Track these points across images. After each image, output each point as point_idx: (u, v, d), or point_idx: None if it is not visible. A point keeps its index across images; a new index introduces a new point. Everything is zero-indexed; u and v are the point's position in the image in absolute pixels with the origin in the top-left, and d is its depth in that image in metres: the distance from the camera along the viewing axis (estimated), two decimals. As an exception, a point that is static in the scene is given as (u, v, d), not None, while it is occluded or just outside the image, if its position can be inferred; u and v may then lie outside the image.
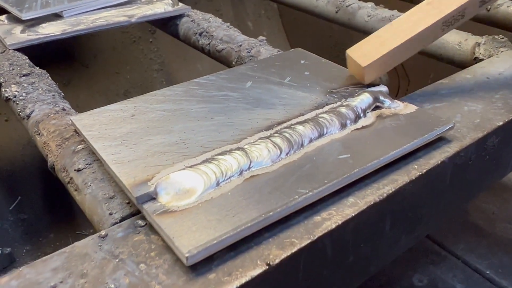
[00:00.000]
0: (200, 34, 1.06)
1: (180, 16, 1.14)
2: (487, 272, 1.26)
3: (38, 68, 0.88)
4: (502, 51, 0.94)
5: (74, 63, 1.81)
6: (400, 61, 0.72)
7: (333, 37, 2.06)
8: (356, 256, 0.56)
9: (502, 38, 0.98)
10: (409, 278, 1.27)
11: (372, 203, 0.54)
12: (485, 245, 1.34)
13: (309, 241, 0.49)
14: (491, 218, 1.44)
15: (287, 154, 0.58)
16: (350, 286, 0.60)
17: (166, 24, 1.17)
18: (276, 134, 0.60)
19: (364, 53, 0.71)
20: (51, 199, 1.62)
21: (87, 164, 0.60)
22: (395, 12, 1.14)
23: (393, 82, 1.87)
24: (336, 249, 0.53)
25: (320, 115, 0.64)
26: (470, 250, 1.33)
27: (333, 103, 0.68)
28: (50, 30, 0.99)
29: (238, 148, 0.57)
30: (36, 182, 1.62)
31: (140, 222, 0.51)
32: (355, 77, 0.74)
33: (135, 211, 0.53)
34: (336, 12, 1.25)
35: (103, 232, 0.50)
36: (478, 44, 0.98)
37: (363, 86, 0.72)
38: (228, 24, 1.07)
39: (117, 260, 0.46)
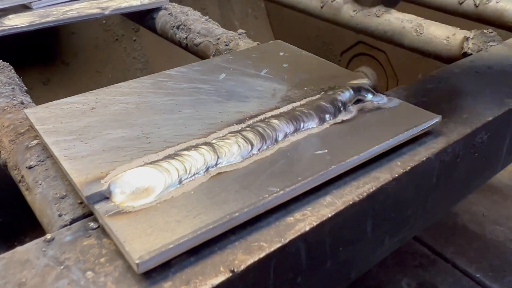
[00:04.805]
0: (178, 28, 1.01)
1: (158, 9, 1.09)
2: (477, 275, 1.22)
3: (0, 60, 0.83)
4: (491, 46, 0.90)
5: (53, 61, 1.74)
6: None
7: (320, 37, 2.02)
8: (334, 261, 0.52)
9: (491, 33, 0.94)
10: (398, 282, 1.23)
11: (351, 202, 0.49)
12: (475, 248, 1.30)
13: (279, 244, 0.44)
14: (481, 221, 1.40)
15: (259, 149, 0.53)
16: (329, 294, 0.55)
17: (143, 18, 1.12)
18: (248, 128, 0.55)
19: None
20: (26, 202, 1.56)
21: (39, 161, 0.54)
22: (380, 7, 1.10)
23: (381, 82, 1.83)
24: (312, 254, 0.48)
25: (297, 109, 0.59)
26: (459, 253, 1.29)
27: (311, 96, 0.63)
28: (17, 22, 0.93)
29: (205, 143, 0.52)
30: (11, 184, 1.55)
31: (92, 225, 0.46)
32: None
33: (88, 212, 0.48)
34: (321, 7, 1.21)
35: (49, 236, 0.44)
36: (467, 39, 0.94)
37: (344, 79, 0.67)
38: (207, 17, 1.03)
39: (61, 267, 0.41)
